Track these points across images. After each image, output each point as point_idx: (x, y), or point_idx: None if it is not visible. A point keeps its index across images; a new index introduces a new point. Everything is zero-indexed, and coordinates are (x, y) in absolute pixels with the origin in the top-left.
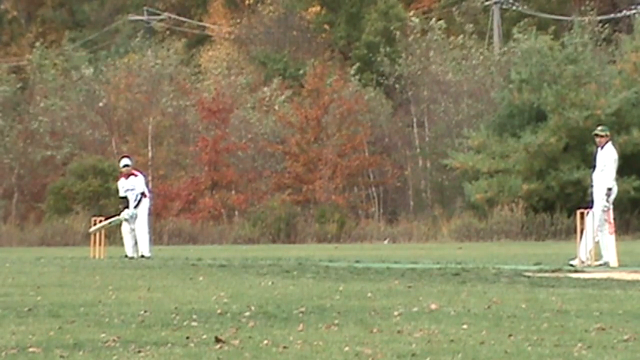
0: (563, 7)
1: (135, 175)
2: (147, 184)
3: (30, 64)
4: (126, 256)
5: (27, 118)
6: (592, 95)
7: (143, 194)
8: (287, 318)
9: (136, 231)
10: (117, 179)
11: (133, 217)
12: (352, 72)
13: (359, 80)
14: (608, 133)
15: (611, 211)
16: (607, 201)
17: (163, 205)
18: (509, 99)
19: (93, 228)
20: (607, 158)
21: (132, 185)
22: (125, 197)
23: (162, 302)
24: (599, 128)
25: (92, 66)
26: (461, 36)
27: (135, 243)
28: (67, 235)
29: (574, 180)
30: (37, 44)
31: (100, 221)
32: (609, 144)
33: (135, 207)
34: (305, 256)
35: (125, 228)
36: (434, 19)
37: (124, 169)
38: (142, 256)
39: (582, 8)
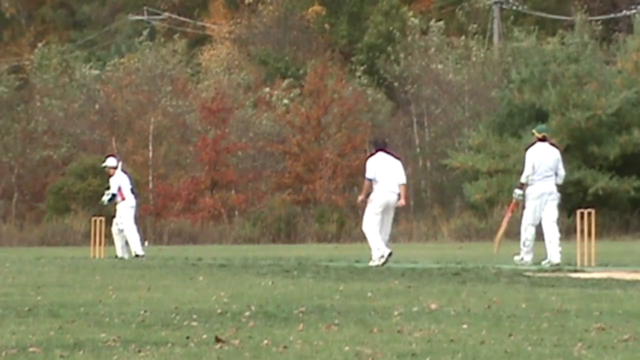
0: (563, 7)
1: (112, 174)
2: (132, 187)
3: (30, 63)
4: (116, 257)
5: (25, 118)
6: (593, 95)
7: (114, 195)
8: (287, 318)
9: (125, 232)
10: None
11: (103, 203)
12: (359, 74)
13: (361, 80)
14: (536, 133)
15: (535, 209)
16: (519, 196)
17: (163, 205)
18: (509, 99)
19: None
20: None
21: (111, 184)
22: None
23: (162, 302)
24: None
25: (94, 67)
26: (462, 37)
27: (127, 243)
28: (67, 235)
29: (575, 180)
30: (40, 44)
31: (101, 220)
32: (537, 143)
33: (109, 200)
34: (305, 256)
35: (114, 229)
36: (433, 20)
37: (105, 168)
38: (137, 255)
39: (577, 7)
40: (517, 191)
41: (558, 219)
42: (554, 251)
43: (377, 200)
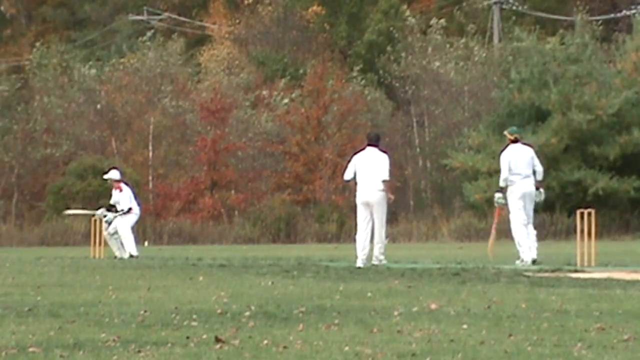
0: (563, 7)
1: (121, 190)
2: (135, 197)
3: (30, 63)
4: (115, 257)
5: (25, 118)
6: (593, 96)
7: (130, 209)
8: (287, 318)
9: (120, 233)
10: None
11: (108, 222)
12: (355, 73)
13: (361, 80)
14: (508, 135)
15: (522, 210)
16: (500, 199)
17: (163, 205)
18: (509, 99)
19: (69, 212)
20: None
21: (117, 199)
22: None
23: (162, 302)
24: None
25: (94, 67)
26: (463, 38)
27: (122, 244)
28: (67, 235)
29: (574, 180)
30: (37, 44)
31: (101, 220)
32: (509, 145)
33: (116, 216)
34: (305, 256)
35: (105, 233)
36: (434, 19)
37: (109, 181)
38: (131, 256)
39: (578, 7)
40: (497, 195)
41: (535, 219)
42: (530, 249)
43: (357, 199)
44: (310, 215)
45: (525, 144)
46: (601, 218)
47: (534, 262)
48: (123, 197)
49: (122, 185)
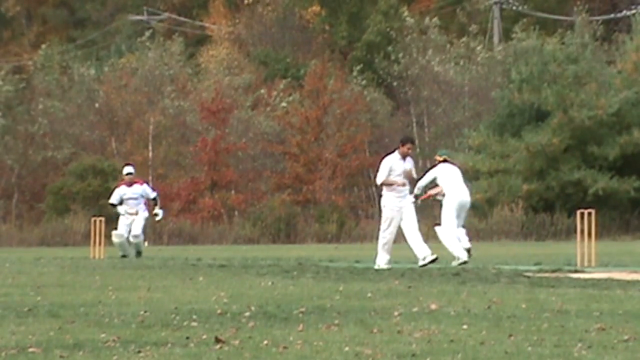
0: (562, 6)
1: (141, 184)
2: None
3: (34, 64)
4: (123, 256)
5: (27, 119)
6: (592, 95)
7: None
8: (287, 318)
9: (134, 234)
10: (117, 186)
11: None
12: (355, 73)
13: (361, 80)
14: (438, 157)
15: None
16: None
17: (163, 205)
18: (509, 99)
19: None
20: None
21: (134, 194)
22: (114, 205)
23: (162, 302)
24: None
25: (92, 66)
26: (464, 38)
27: (128, 242)
28: (66, 235)
29: (574, 180)
30: (43, 46)
31: (101, 220)
32: (440, 164)
33: (159, 208)
34: (305, 256)
35: (130, 235)
36: (427, 18)
37: (126, 177)
38: (124, 256)
39: (579, 7)
40: (418, 187)
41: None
42: (462, 249)
43: None
44: (310, 216)
45: (452, 163)
46: (601, 218)
47: (468, 251)
48: (146, 188)
49: (139, 179)
